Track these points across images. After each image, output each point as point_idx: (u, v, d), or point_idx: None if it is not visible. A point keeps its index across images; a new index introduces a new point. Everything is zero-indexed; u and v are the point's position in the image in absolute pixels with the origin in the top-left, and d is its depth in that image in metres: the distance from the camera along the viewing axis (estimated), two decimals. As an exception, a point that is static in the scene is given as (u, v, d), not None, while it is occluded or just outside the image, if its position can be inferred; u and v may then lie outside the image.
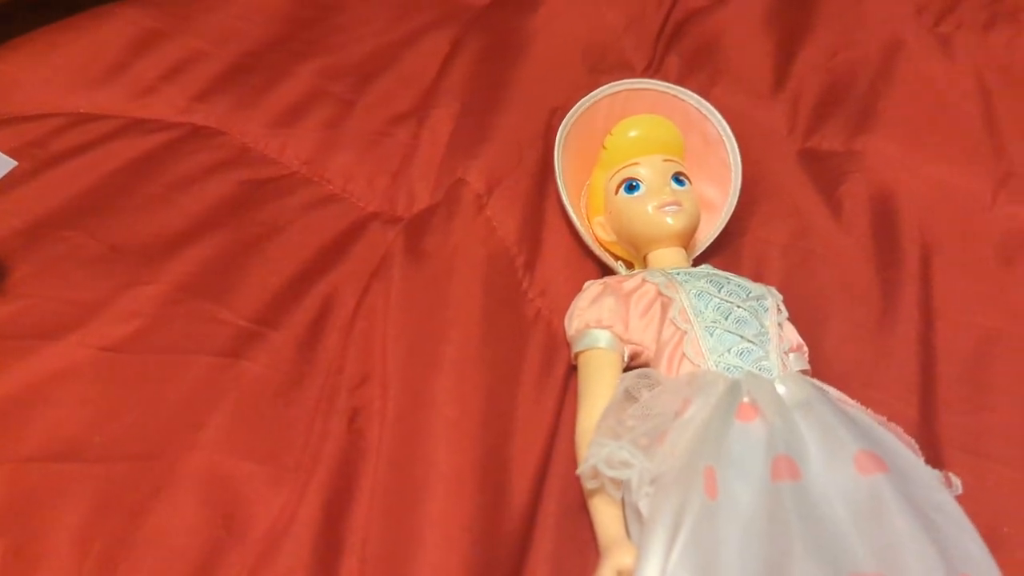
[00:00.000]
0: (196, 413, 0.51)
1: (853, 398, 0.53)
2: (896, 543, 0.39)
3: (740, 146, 0.69)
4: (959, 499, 0.51)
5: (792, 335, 0.57)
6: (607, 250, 0.64)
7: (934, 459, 0.54)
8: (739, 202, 0.68)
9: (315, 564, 0.45)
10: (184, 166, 0.67)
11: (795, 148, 0.80)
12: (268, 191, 0.68)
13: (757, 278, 0.63)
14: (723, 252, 0.67)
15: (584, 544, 0.48)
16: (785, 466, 0.43)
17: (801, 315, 0.60)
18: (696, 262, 0.63)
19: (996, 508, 0.53)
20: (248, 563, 0.45)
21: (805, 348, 0.58)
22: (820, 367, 0.58)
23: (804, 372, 0.56)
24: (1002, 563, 0.49)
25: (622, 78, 0.68)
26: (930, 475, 0.46)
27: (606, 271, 0.63)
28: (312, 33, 0.84)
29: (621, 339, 0.54)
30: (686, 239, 0.60)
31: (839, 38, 0.90)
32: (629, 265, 0.63)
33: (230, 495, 0.48)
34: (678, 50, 0.89)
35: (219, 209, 0.64)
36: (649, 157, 0.61)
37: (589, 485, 0.46)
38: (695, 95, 0.66)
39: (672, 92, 0.67)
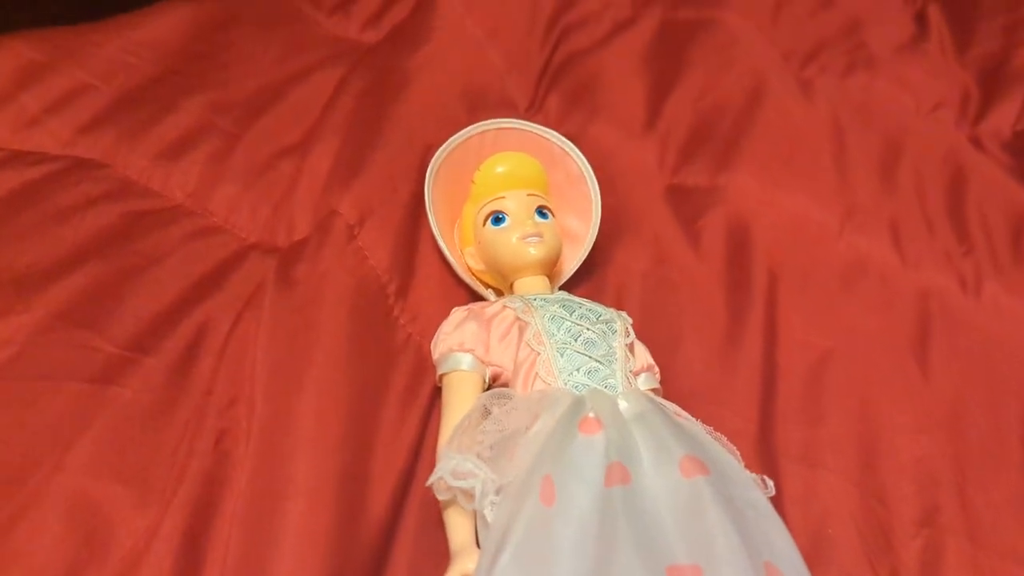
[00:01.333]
0: (63, 437, 0.52)
1: (701, 414, 0.57)
2: (709, 536, 0.43)
3: (611, 181, 0.74)
4: (790, 505, 0.56)
5: (643, 356, 0.61)
6: (478, 279, 0.67)
7: (770, 469, 0.60)
8: (604, 232, 0.72)
9: (176, 577, 0.47)
10: (64, 198, 0.68)
11: (664, 183, 0.85)
12: (149, 222, 0.69)
13: (619, 304, 0.67)
14: (588, 280, 0.71)
15: (441, 556, 0.51)
16: (617, 472, 0.47)
17: (656, 337, 0.65)
18: (563, 289, 0.67)
19: (823, 512, 0.58)
20: (108, 580, 0.47)
21: (656, 368, 0.62)
22: (671, 386, 0.63)
23: (655, 391, 0.60)
24: (824, 561, 0.54)
25: (503, 116, 0.72)
26: (747, 477, 0.50)
27: (477, 298, 0.66)
28: (201, 67, 0.86)
29: (482, 361, 0.58)
30: (548, 267, 0.64)
31: (708, 81, 0.97)
32: (499, 293, 0.67)
33: (94, 516, 0.50)
34: (559, 89, 0.94)
35: (98, 240, 0.66)
36: (514, 191, 0.65)
37: (441, 496, 0.49)
38: (558, 135, 0.71)
39: (537, 132, 0.71)
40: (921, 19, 1.16)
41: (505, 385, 0.58)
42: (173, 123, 0.79)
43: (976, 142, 0.97)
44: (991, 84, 1.05)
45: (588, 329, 0.57)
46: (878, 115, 0.98)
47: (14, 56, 0.80)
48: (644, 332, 0.65)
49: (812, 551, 0.56)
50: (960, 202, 0.86)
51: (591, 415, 0.51)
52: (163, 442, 0.54)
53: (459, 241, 0.68)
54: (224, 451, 0.53)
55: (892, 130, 0.96)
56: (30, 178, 0.70)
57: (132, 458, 0.52)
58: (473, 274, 0.67)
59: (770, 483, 0.52)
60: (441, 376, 0.58)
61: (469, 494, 0.48)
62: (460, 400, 0.56)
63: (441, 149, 0.67)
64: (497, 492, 0.47)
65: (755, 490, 0.49)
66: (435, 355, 0.59)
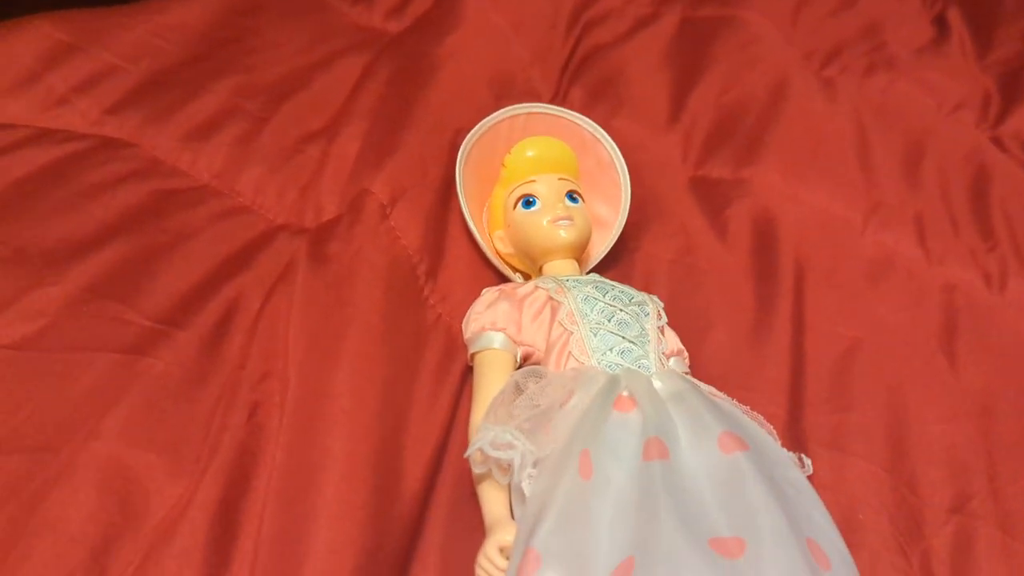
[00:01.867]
0: (97, 407, 0.52)
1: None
2: (752, 510, 0.43)
3: (635, 172, 0.74)
4: (821, 490, 0.56)
5: (673, 341, 0.61)
6: (506, 262, 0.67)
7: (799, 452, 0.59)
8: (631, 221, 0.72)
9: (210, 547, 0.47)
10: (93, 175, 0.68)
11: (687, 175, 0.85)
12: (177, 201, 0.69)
13: (646, 290, 0.67)
14: (616, 266, 0.71)
15: (474, 528, 0.51)
16: (655, 447, 0.46)
17: (684, 324, 0.65)
18: (589, 274, 0.67)
19: (853, 498, 0.58)
20: (143, 547, 0.47)
21: (686, 353, 0.62)
22: (701, 371, 0.63)
23: (684, 375, 0.60)
24: (856, 545, 0.54)
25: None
26: (785, 456, 0.50)
27: (505, 281, 0.66)
28: (228, 53, 0.86)
29: (514, 341, 0.58)
30: (578, 251, 0.64)
31: (731, 77, 0.97)
32: (527, 277, 0.67)
33: (128, 484, 0.49)
34: (582, 82, 0.94)
35: (127, 217, 0.66)
36: (545, 175, 0.65)
37: (477, 470, 0.49)
38: (589, 120, 0.71)
39: (568, 117, 0.71)
40: (940, 22, 1.17)
41: (537, 364, 0.57)
42: (200, 106, 0.79)
43: (997, 142, 0.97)
44: (1011, 87, 1.05)
45: (621, 310, 0.57)
46: (900, 115, 0.99)
47: (42, 36, 0.80)
48: (672, 318, 0.65)
49: (844, 535, 0.55)
50: (984, 200, 0.86)
51: (625, 394, 0.51)
52: (196, 413, 0.54)
53: (488, 224, 0.68)
54: (257, 424, 0.52)
55: (914, 129, 0.96)
56: (58, 155, 0.70)
57: (165, 428, 0.52)
58: (501, 257, 0.67)
59: (808, 462, 0.52)
60: (473, 355, 0.58)
61: (504, 467, 0.48)
62: (492, 378, 0.56)
63: (472, 132, 0.67)
64: (534, 465, 0.47)
65: (793, 468, 0.49)
66: (467, 334, 0.59)
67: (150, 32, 0.85)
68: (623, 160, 0.71)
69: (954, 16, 1.16)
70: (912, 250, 0.79)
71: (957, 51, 1.11)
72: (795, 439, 0.60)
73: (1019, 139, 0.99)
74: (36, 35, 0.80)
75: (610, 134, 0.73)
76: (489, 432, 0.47)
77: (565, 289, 0.58)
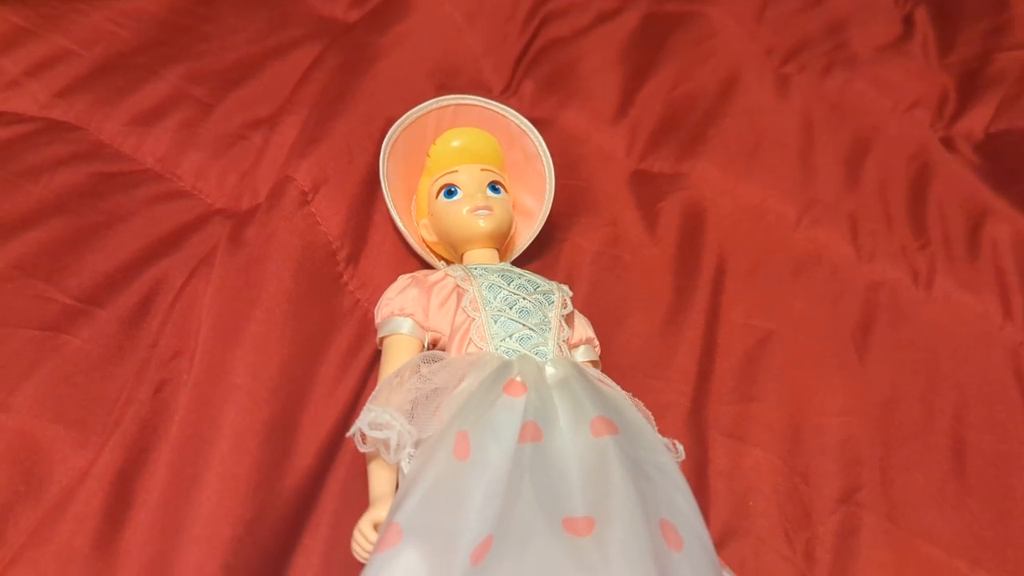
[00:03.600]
0: (9, 380, 0.54)
1: (637, 387, 0.58)
2: (608, 491, 0.44)
3: (577, 165, 0.75)
4: (717, 477, 0.58)
5: (582, 330, 0.63)
6: (431, 251, 0.69)
7: (699, 441, 0.61)
8: (563, 212, 0.74)
9: (104, 514, 0.49)
10: (35, 157, 0.71)
11: (629, 169, 0.87)
12: (117, 183, 0.71)
13: (569, 281, 0.69)
14: (541, 256, 0.73)
15: (365, 506, 0.52)
16: (530, 430, 0.48)
17: (601, 314, 0.67)
18: (516, 264, 0.69)
19: (747, 485, 0.60)
20: (40, 513, 0.49)
21: (596, 342, 0.64)
22: (611, 360, 0.64)
23: (592, 363, 0.62)
24: (742, 531, 0.56)
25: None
26: (658, 441, 0.52)
27: (427, 269, 0.68)
28: (183, 39, 0.88)
29: (421, 326, 0.59)
30: (498, 241, 0.66)
31: (683, 71, 0.99)
32: (451, 264, 0.69)
33: (34, 455, 0.52)
34: (536, 75, 0.96)
35: (63, 197, 0.68)
36: (468, 165, 0.66)
37: (362, 449, 0.51)
38: (516, 112, 0.72)
39: (496, 109, 0.72)
40: (908, 21, 1.17)
41: (442, 350, 0.59)
42: (150, 91, 0.81)
43: (948, 142, 0.98)
44: (968, 87, 1.06)
45: (524, 299, 0.59)
46: (852, 113, 1.00)
47: (-1, 21, 0.82)
48: (590, 308, 0.67)
49: (732, 521, 0.57)
50: (922, 199, 0.87)
51: (517, 379, 0.53)
52: (107, 389, 0.56)
53: (415, 213, 0.70)
54: (163, 400, 0.54)
55: (863, 128, 0.97)
56: (3, 137, 0.72)
57: (76, 402, 0.54)
58: (428, 246, 0.69)
59: (680, 447, 0.54)
60: (381, 339, 0.60)
61: (389, 447, 0.50)
62: (396, 362, 0.57)
63: (399, 121, 0.69)
64: (415, 446, 0.49)
65: (664, 453, 0.50)
66: (377, 319, 0.61)
67: (107, 18, 0.87)
68: (548, 153, 0.72)
69: (921, 15, 1.17)
70: (843, 247, 0.80)
71: (919, 50, 1.12)
72: (696, 427, 0.62)
73: (971, 139, 1.00)
74: (-7, 20, 0.82)
75: (558, 126, 0.74)
76: (369, 413, 0.49)
77: (472, 277, 0.60)
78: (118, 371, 0.57)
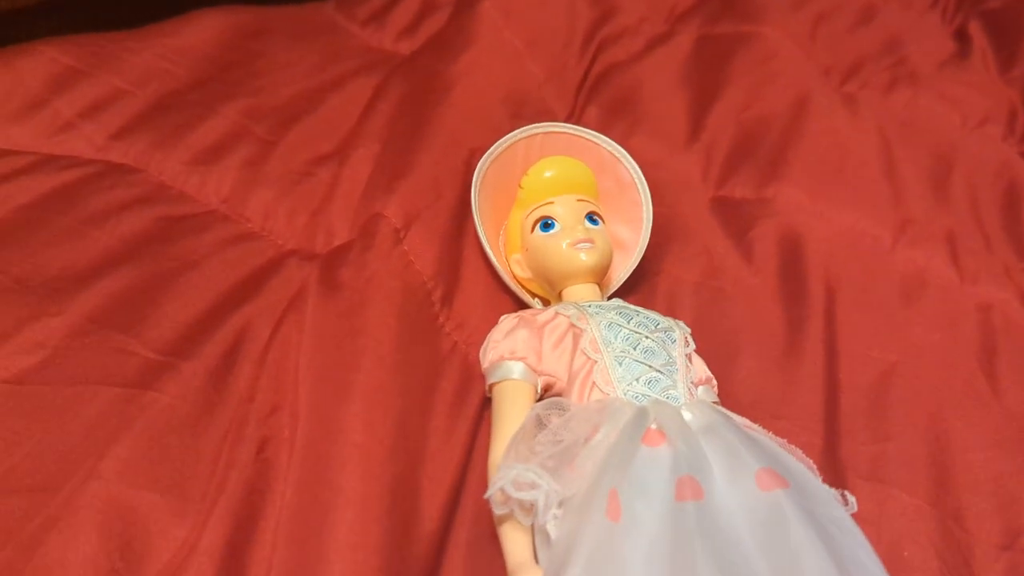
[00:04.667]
0: (98, 444, 0.49)
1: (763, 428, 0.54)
2: (795, 554, 0.40)
3: (655, 193, 0.71)
4: (862, 524, 0.53)
5: (701, 368, 0.58)
6: (524, 287, 0.65)
7: (837, 486, 0.56)
8: (653, 243, 0.69)
9: (217, 594, 0.44)
10: (97, 202, 0.66)
11: (708, 195, 0.83)
12: (184, 227, 0.67)
13: (669, 315, 0.64)
14: (638, 290, 0.69)
15: (494, 572, 0.48)
16: (689, 486, 0.44)
17: (711, 350, 0.62)
18: (611, 299, 0.65)
19: (896, 533, 0.55)
20: (145, 595, 0.44)
21: (714, 381, 0.59)
22: (730, 400, 0.60)
23: (715, 405, 0.57)
24: (905, 585, 0.51)
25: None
26: (827, 492, 0.47)
27: (523, 307, 0.64)
28: (236, 75, 0.84)
29: (534, 370, 0.55)
30: (599, 275, 0.62)
31: (750, 94, 0.95)
32: (545, 303, 0.64)
33: (130, 526, 0.47)
34: (598, 101, 0.92)
35: (132, 244, 0.64)
36: (563, 196, 0.62)
37: (498, 511, 0.46)
38: (608, 139, 0.69)
39: (586, 136, 0.69)
40: (961, 36, 1.15)
41: (559, 395, 0.55)
42: (207, 129, 0.77)
43: (1026, 158, 0.94)
44: (1038, 101, 1.03)
45: (647, 337, 0.55)
46: (924, 130, 0.96)
47: (47, 62, 0.79)
48: (699, 344, 0.62)
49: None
50: (1016, 216, 0.83)
51: (654, 427, 0.48)
52: (202, 450, 0.51)
53: (504, 248, 0.66)
54: (266, 460, 0.50)
55: (940, 145, 0.93)
56: (62, 182, 0.68)
57: (169, 466, 0.50)
58: (519, 282, 0.64)
59: (852, 499, 0.49)
60: (491, 386, 0.55)
61: (526, 508, 0.45)
62: (512, 410, 0.53)
63: (488, 153, 0.65)
64: (559, 506, 0.44)
65: (837, 506, 0.46)
66: (484, 364, 0.56)
67: (157, 55, 0.83)
68: (644, 179, 0.68)
69: (975, 29, 1.14)
70: (945, 268, 0.76)
71: (980, 65, 1.09)
72: (832, 471, 0.57)
73: (1048, 154, 0.97)
74: (41, 60, 0.78)
75: (628, 153, 0.70)
76: (511, 471, 0.44)
77: (587, 315, 0.56)
78: (210, 429, 0.53)
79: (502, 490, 0.44)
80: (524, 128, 0.67)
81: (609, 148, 0.69)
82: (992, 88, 1.05)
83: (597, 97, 0.93)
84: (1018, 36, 1.13)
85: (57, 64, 0.78)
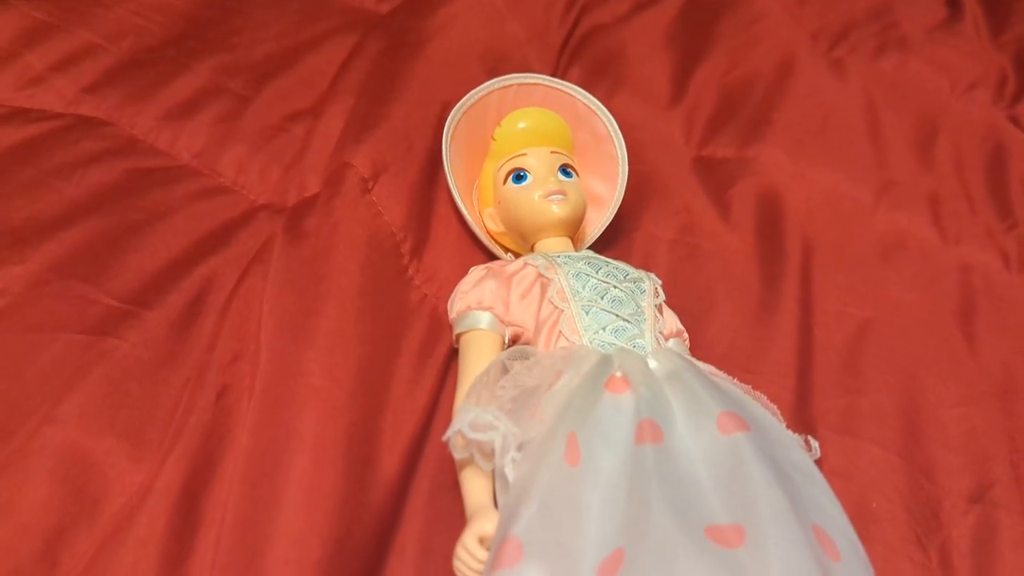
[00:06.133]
0: (55, 389, 0.49)
1: (734, 381, 0.53)
2: (752, 495, 0.39)
3: (635, 151, 0.70)
4: (831, 476, 0.52)
5: (672, 321, 0.58)
6: (496, 241, 0.64)
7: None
8: (631, 200, 0.69)
9: (170, 537, 0.43)
10: (65, 154, 0.65)
11: (690, 155, 0.82)
12: (154, 180, 0.66)
13: (645, 269, 0.64)
14: (614, 245, 0.68)
15: (456, 519, 0.47)
16: (648, 430, 0.43)
17: (685, 305, 0.61)
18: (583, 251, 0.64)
19: (865, 485, 0.54)
20: (98, 537, 0.44)
21: (685, 334, 0.58)
22: (701, 353, 0.59)
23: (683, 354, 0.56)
24: (869, 537, 0.50)
25: (525, 76, 0.69)
26: (790, 437, 0.47)
27: (495, 260, 0.63)
28: (211, 33, 0.83)
29: (502, 320, 0.54)
30: (572, 228, 0.61)
31: (735, 56, 0.94)
32: (518, 256, 0.63)
33: (86, 470, 0.46)
34: (581, 62, 0.91)
35: (99, 195, 0.63)
36: (537, 148, 0.61)
37: (458, 454, 0.45)
38: (585, 92, 0.68)
39: (562, 88, 0.67)
40: (953, 1, 1.13)
41: (526, 345, 0.54)
42: (181, 85, 0.76)
43: (1016, 121, 0.93)
44: (1027, 65, 1.01)
45: (615, 287, 0.54)
46: (912, 94, 0.95)
47: (20, 16, 0.77)
48: (673, 299, 0.61)
49: (856, 526, 0.51)
50: (1001, 179, 0.82)
51: (618, 374, 0.48)
52: (161, 397, 0.50)
53: (478, 201, 0.65)
54: (225, 407, 0.49)
55: (927, 108, 0.92)
56: (31, 134, 0.67)
57: (128, 412, 0.49)
58: (492, 236, 0.64)
59: (815, 444, 0.48)
60: (458, 336, 0.55)
61: (487, 453, 0.45)
62: (478, 359, 0.52)
63: (460, 103, 0.64)
64: (518, 449, 0.44)
65: (799, 451, 0.45)
66: (452, 314, 0.56)
67: (131, 12, 0.82)
68: (620, 133, 0.67)
69: (966, -5, 1.13)
70: (926, 230, 0.75)
71: (971, 30, 1.07)
72: (803, 423, 0.56)
73: (1036, 118, 0.95)
74: (14, 15, 0.77)
75: (611, 112, 0.69)
76: (469, 413, 0.44)
77: (556, 266, 0.55)
78: (172, 377, 0.52)
79: (461, 433, 0.44)
80: (499, 78, 0.66)
81: (585, 101, 0.67)
82: (983, 53, 1.03)
83: (580, 58, 0.91)
84: (1010, 1, 1.12)
85: (29, 18, 0.77)
